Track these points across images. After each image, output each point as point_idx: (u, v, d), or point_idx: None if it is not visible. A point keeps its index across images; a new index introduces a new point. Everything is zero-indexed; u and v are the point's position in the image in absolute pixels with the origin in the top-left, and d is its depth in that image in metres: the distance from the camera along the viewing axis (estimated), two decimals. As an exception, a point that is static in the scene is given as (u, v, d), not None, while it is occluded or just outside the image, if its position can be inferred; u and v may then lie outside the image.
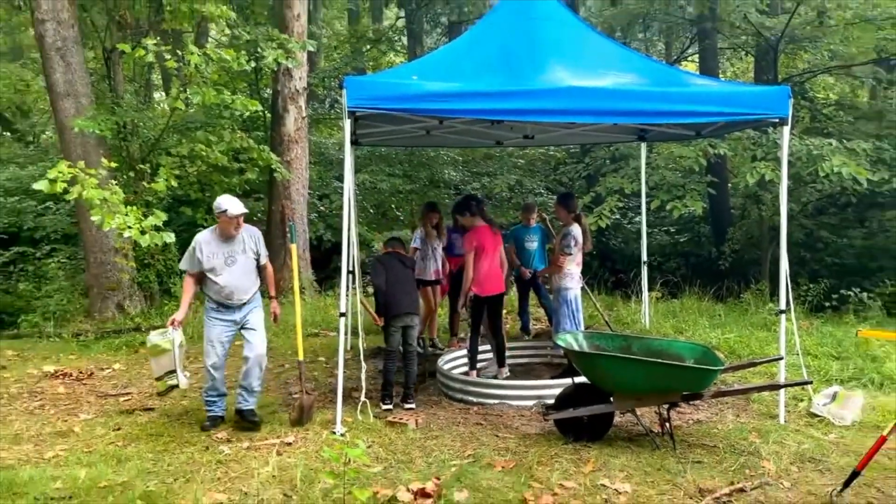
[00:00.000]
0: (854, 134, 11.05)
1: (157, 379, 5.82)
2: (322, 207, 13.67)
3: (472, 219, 6.99)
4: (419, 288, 7.45)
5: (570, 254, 7.00)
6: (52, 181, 6.94)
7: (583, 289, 7.47)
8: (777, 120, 5.80)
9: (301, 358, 6.15)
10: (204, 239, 5.75)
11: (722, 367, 5.28)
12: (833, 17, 11.25)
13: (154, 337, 5.83)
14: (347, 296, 6.24)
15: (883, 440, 4.24)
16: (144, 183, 9.19)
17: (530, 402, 6.20)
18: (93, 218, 7.38)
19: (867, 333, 5.69)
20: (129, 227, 7.17)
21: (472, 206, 7.06)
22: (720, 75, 15.46)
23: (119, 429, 5.84)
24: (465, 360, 7.42)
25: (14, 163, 14.84)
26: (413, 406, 6.17)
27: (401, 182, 14.81)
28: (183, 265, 5.89)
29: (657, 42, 18.28)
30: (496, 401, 6.27)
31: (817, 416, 5.90)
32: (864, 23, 10.87)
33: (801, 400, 6.28)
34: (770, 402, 6.17)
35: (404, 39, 19.64)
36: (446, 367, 6.97)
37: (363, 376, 5.83)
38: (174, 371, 5.71)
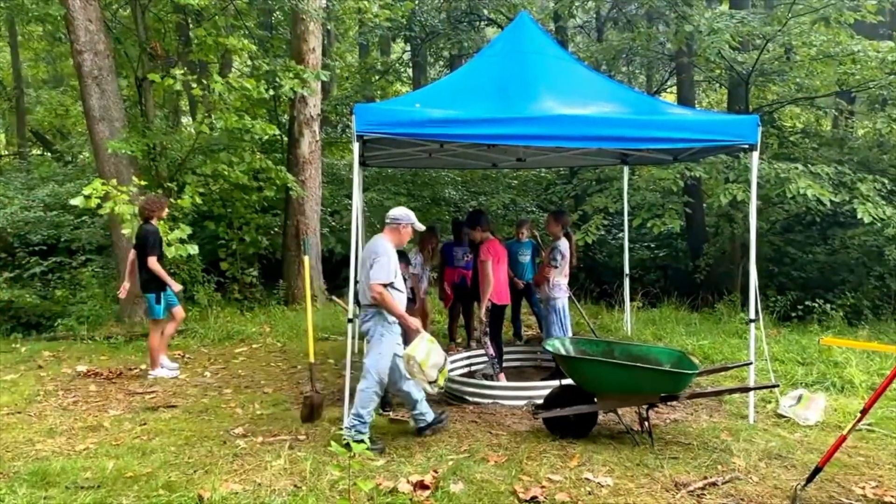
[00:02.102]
0: (818, 159, 11.05)
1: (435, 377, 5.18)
2: (333, 223, 13.67)
3: (483, 233, 7.00)
4: (415, 304, 7.39)
5: (557, 266, 7.00)
6: (88, 197, 6.96)
7: (570, 298, 7.47)
8: (747, 146, 5.81)
9: (312, 360, 6.14)
10: (393, 250, 5.27)
11: (697, 371, 5.26)
12: (798, 54, 11.28)
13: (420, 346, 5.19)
14: (355, 303, 6.22)
15: (843, 439, 4.22)
16: (171, 199, 9.19)
17: (521, 402, 6.18)
18: (124, 231, 7.39)
19: (829, 341, 5.66)
20: (157, 240, 7.15)
21: (483, 221, 7.06)
22: (696, 105, 15.50)
23: (145, 424, 5.82)
24: (463, 363, 7.44)
25: (53, 180, 14.85)
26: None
27: (405, 200, 14.79)
28: (388, 277, 5.11)
29: (639, 75, 18.31)
30: (490, 401, 6.25)
31: (783, 416, 5.88)
32: (826, 59, 10.89)
33: (769, 402, 6.27)
34: (740, 404, 6.16)
35: (410, 71, 19.69)
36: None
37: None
38: (442, 365, 5.16)
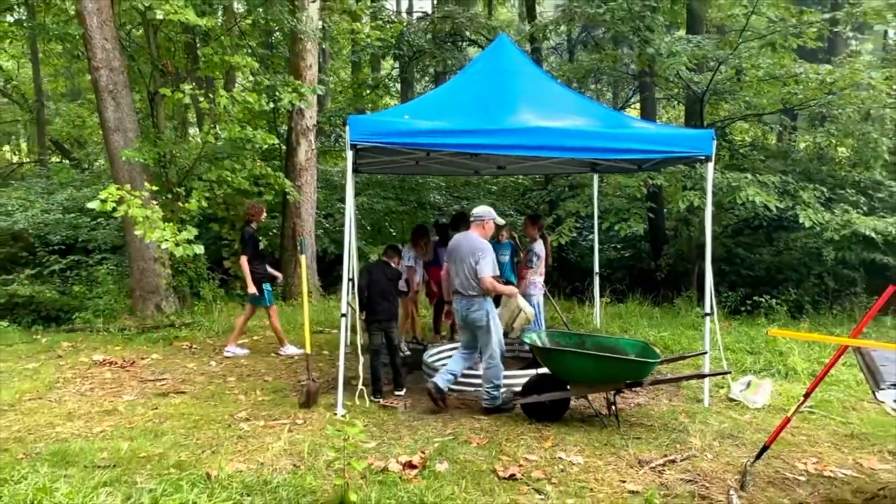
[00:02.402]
0: (765, 169, 11.14)
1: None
2: (327, 225, 13.61)
3: None
4: (408, 294, 7.40)
5: (533, 266, 7.01)
6: (103, 201, 6.86)
7: (546, 295, 7.47)
8: (703, 157, 5.86)
9: (308, 351, 6.11)
10: (489, 245, 5.60)
11: (658, 360, 5.30)
12: (748, 75, 11.38)
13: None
14: (348, 299, 6.20)
15: (787, 420, 4.27)
16: (180, 203, 9.10)
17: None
18: (136, 232, 7.30)
19: (777, 332, 5.71)
20: (167, 240, 7.10)
21: (464, 224, 7.02)
22: (657, 120, 15.59)
23: (156, 408, 5.76)
24: (447, 354, 7.41)
25: (71, 186, 14.67)
26: (402, 392, 6.12)
27: (394, 204, 14.78)
28: (494, 270, 5.54)
29: (606, 92, 18.40)
30: (473, 388, 6.23)
31: (735, 400, 5.93)
32: (772, 79, 11.00)
33: (722, 387, 6.32)
34: (696, 389, 6.20)
35: (398, 86, 19.64)
36: (430, 359, 6.93)
37: (361, 367, 5.78)
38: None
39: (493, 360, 5.56)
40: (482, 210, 5.76)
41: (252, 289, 7.41)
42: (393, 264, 6.34)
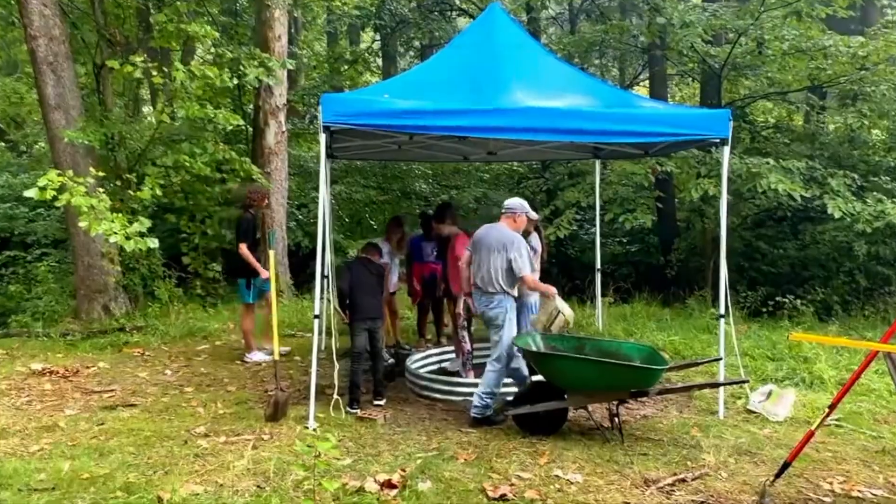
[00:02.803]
0: (789, 154, 11.22)
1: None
2: (300, 216, 13.56)
3: (452, 226, 7.00)
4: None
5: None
6: (43, 189, 6.80)
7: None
8: (719, 140, 5.89)
9: (277, 357, 6.11)
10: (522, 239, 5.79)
11: (666, 367, 5.33)
12: (771, 48, 11.44)
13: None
14: (322, 299, 6.19)
15: (811, 434, 4.30)
16: (130, 191, 9.03)
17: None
18: (81, 224, 7.24)
19: (798, 337, 5.77)
20: (115, 233, 7.04)
21: (449, 215, 7.06)
22: (669, 99, 15.66)
23: (102, 424, 5.72)
24: (433, 359, 7.44)
25: (7, 171, 14.53)
26: (382, 403, 6.13)
27: (374, 193, 14.77)
28: (530, 266, 5.78)
29: (611, 68, 18.43)
30: (460, 398, 6.27)
31: (753, 412, 5.98)
32: (798, 53, 11.07)
33: (739, 398, 6.36)
34: (710, 399, 6.25)
35: (379, 61, 19.59)
36: (414, 366, 6.95)
37: (335, 375, 5.78)
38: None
39: (498, 364, 5.68)
40: (515, 202, 5.93)
41: (265, 273, 7.45)
42: (374, 261, 6.40)
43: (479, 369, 7.13)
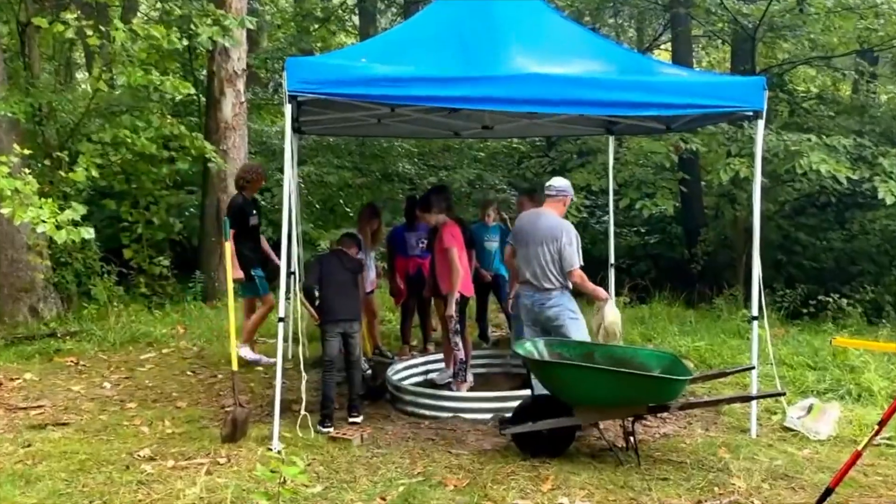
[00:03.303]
0: (834, 129, 11.27)
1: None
2: (263, 201, 13.53)
3: (438, 214, 6.94)
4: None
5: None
6: (-44, 169, 6.77)
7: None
8: (752, 113, 5.90)
9: (235, 368, 6.09)
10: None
11: (690, 377, 5.36)
12: (813, 5, 11.50)
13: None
14: (288, 299, 6.18)
15: (858, 455, 4.33)
16: (62, 172, 9.00)
17: (487, 416, 6.21)
18: (2, 211, 7.21)
19: (843, 342, 5.82)
20: (44, 222, 6.98)
21: (437, 201, 6.99)
22: (694, 65, 15.70)
23: (29, 445, 5.69)
24: (419, 369, 7.46)
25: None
26: (359, 420, 6.12)
27: (350, 175, 14.74)
28: (580, 260, 5.92)
29: (628, 28, 18.48)
30: (450, 414, 6.27)
31: (791, 429, 6.01)
32: (845, 11, 11.12)
33: (775, 413, 6.40)
34: (741, 415, 6.28)
35: (356, 19, 19.58)
36: (396, 377, 6.96)
37: (304, 387, 5.76)
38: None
39: None
40: (562, 182, 6.12)
41: (237, 273, 7.47)
42: (350, 254, 6.38)
43: (478, 381, 7.21)
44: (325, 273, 6.15)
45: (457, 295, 6.74)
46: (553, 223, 5.94)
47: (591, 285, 6.01)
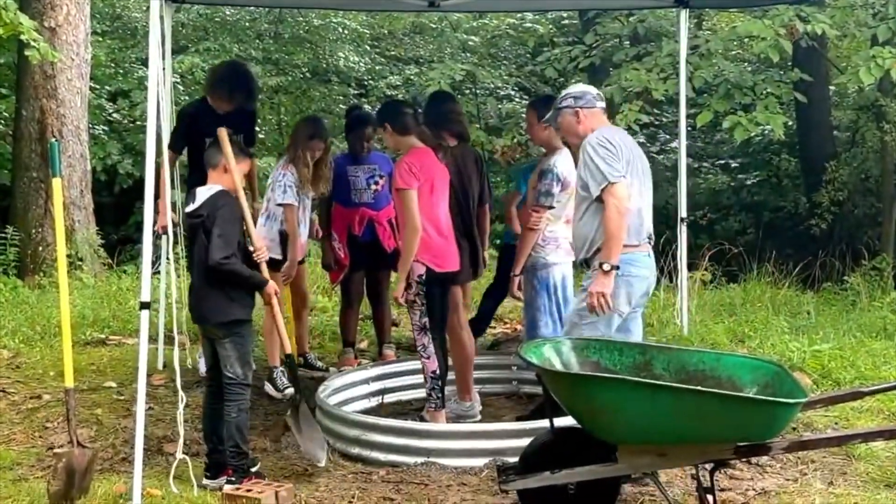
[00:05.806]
0: None
1: None
2: (116, 115, 13.54)
3: (403, 137, 6.86)
4: (278, 270, 7.35)
5: (551, 206, 7.05)
6: None
7: (576, 265, 7.52)
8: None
9: (70, 384, 6.06)
10: None
11: (804, 400, 5.40)
12: None
13: None
14: (157, 272, 6.17)
15: None
16: None
17: (478, 462, 6.26)
18: None
19: None
20: None
21: (403, 117, 6.93)
22: None
23: None
24: (368, 388, 7.50)
25: None
26: (256, 468, 6.10)
27: (260, 72, 14.68)
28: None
29: None
30: (419, 458, 6.30)
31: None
32: None
33: (941, 457, 6.48)
34: (888, 459, 6.35)
35: None
36: (333, 399, 6.98)
37: (181, 416, 5.81)
38: None
39: None
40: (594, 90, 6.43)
41: (163, 219, 7.61)
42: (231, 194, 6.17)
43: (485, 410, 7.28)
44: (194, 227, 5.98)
45: (418, 268, 6.73)
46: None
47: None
